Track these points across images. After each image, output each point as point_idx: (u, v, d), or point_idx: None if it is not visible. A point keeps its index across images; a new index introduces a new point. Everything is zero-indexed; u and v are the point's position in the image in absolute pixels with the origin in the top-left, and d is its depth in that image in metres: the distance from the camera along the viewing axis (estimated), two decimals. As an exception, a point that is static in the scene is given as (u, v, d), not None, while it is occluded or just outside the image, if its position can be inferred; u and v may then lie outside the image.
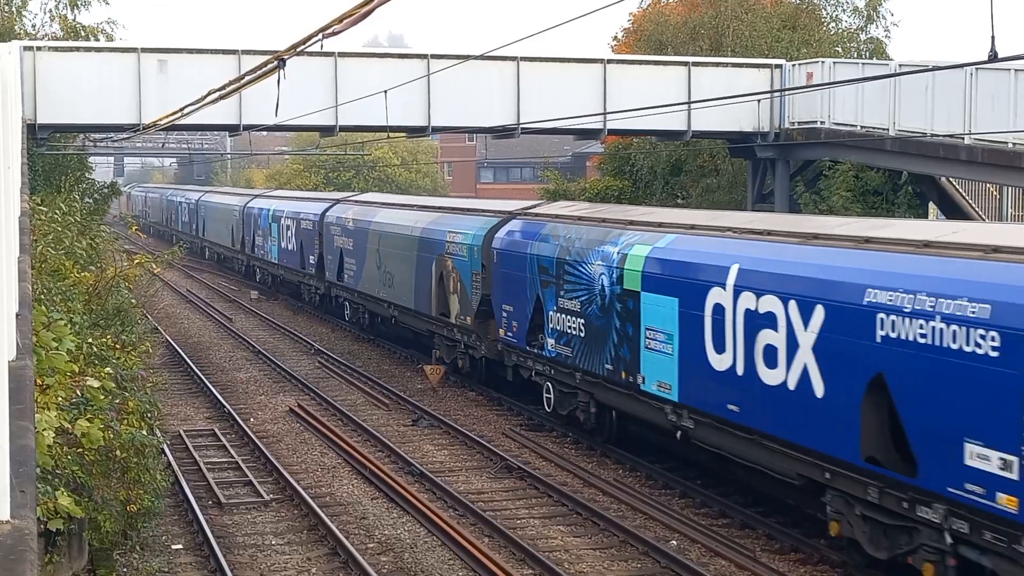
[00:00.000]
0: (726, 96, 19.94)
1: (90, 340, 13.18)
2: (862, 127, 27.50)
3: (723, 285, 15.85)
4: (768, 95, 29.37)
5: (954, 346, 11.90)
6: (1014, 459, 11.17)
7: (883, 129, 26.56)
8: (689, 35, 37.97)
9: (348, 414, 23.55)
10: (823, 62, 29.88)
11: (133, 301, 21.57)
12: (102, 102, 27.34)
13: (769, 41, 36.29)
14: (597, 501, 17.49)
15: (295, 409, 24.33)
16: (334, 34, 10.39)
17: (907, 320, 12.49)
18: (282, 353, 31.89)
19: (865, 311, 13.14)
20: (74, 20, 34.04)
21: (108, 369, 12.59)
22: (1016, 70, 22.29)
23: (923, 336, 12.31)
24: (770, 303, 14.87)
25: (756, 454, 15.59)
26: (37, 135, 27.74)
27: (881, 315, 12.89)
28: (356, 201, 37.16)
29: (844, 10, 40.51)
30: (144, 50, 27.70)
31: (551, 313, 21.26)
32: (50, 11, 34.28)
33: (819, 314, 13.95)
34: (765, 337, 14.94)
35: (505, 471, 19.37)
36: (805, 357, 14.16)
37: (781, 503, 16.63)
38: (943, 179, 28.02)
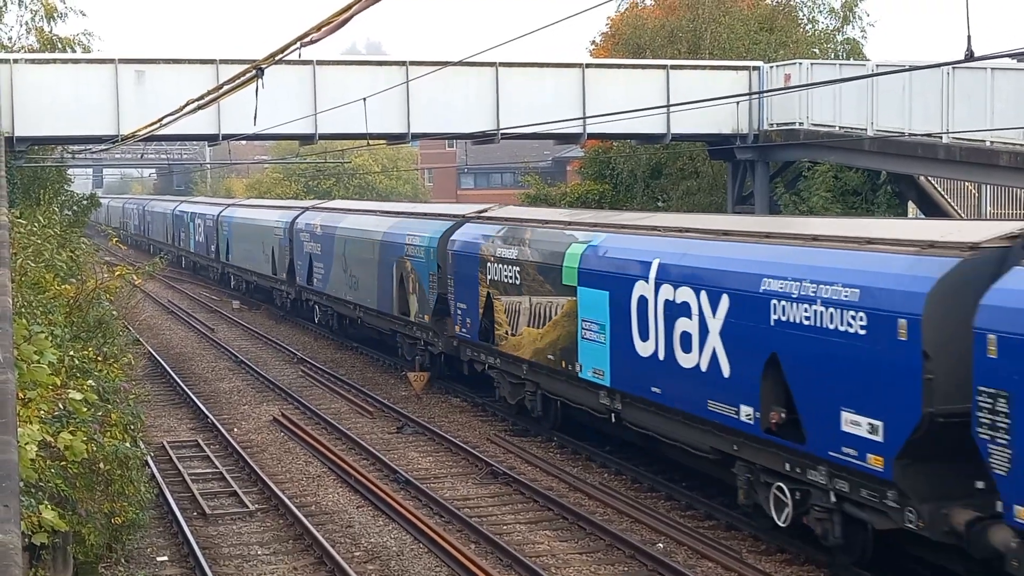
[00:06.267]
0: (705, 99, 19.95)
1: (71, 353, 13.11)
2: (840, 127, 27.60)
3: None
4: (747, 97, 29.45)
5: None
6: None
7: (861, 129, 26.67)
8: (667, 38, 38.04)
9: (332, 422, 23.50)
10: (800, 63, 29.98)
11: (114, 313, 21.48)
12: (80, 114, 27.23)
13: (747, 43, 36.38)
14: (583, 505, 17.50)
15: (279, 418, 24.28)
16: (312, 42, 10.38)
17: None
18: (265, 362, 31.82)
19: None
20: (50, 32, 33.85)
21: (90, 382, 12.52)
22: (992, 68, 22.42)
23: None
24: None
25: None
26: (15, 148, 27.60)
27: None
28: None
29: (820, 11, 40.70)
30: (121, 61, 27.60)
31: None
32: (26, 23, 34.09)
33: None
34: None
35: (490, 477, 19.36)
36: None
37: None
38: (922, 178, 28.15)
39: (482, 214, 25.72)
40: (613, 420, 18.84)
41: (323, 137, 29.68)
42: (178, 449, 21.82)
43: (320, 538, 15.82)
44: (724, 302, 15.34)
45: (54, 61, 28.93)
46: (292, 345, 34.63)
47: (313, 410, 24.89)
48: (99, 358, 15.92)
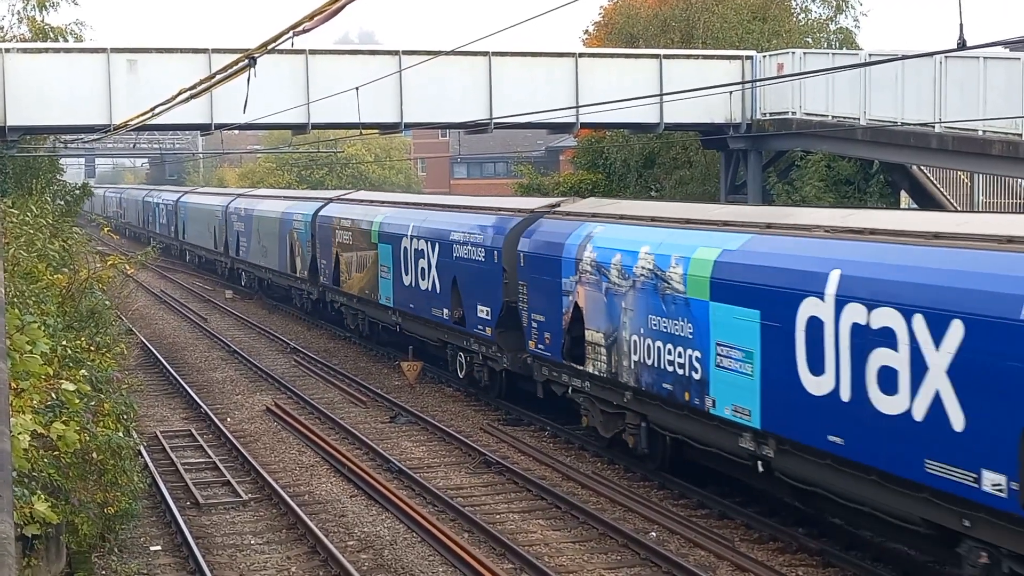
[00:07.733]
0: (698, 88, 19.94)
1: (64, 343, 13.11)
2: (833, 117, 27.61)
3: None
4: (739, 86, 29.44)
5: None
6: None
7: (854, 119, 26.67)
8: (660, 28, 38.01)
9: (325, 412, 23.51)
10: (793, 53, 29.97)
11: (107, 303, 21.47)
12: (72, 103, 27.16)
13: (740, 32, 36.36)
14: (576, 494, 17.53)
15: (272, 408, 24.28)
16: (304, 31, 10.37)
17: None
18: (258, 352, 31.81)
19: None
20: (42, 21, 33.69)
21: (83, 371, 12.53)
22: (984, 58, 22.43)
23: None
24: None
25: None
26: (7, 137, 27.54)
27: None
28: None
29: (813, 0, 40.68)
30: (113, 50, 27.52)
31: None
32: (18, 12, 33.95)
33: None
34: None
35: (484, 466, 19.39)
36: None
37: (761, 493, 16.71)
38: (914, 167, 28.17)
39: (341, 197, 36.22)
40: (399, 331, 28.23)
41: (316, 126, 29.64)
42: (171, 439, 21.81)
43: (313, 527, 15.84)
44: (436, 248, 25.20)
45: (46, 50, 28.81)
46: (285, 335, 34.62)
47: (306, 400, 24.90)
48: (92, 348, 15.93)
